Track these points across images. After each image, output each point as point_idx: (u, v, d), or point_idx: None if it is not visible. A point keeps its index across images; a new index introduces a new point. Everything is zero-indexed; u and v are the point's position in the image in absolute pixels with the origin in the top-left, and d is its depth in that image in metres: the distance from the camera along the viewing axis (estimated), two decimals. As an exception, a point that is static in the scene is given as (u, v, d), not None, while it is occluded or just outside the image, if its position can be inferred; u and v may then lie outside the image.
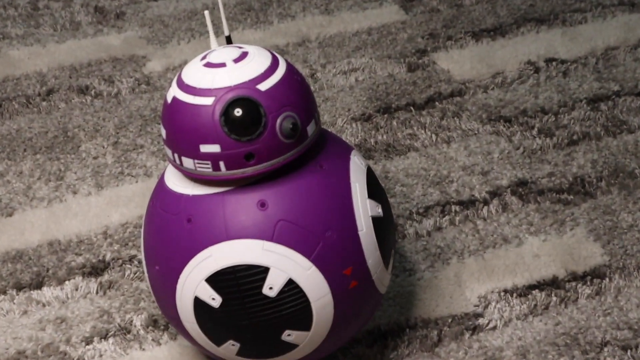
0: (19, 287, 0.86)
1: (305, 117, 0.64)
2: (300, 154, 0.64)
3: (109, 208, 0.96)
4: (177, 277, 0.64)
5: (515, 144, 1.04)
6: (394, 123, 1.08)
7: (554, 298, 0.83)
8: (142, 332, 0.81)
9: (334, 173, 0.66)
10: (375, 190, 0.68)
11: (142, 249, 0.70)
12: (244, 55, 0.64)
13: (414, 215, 0.93)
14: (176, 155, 0.64)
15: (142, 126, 1.09)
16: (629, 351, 0.77)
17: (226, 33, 0.68)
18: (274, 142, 0.62)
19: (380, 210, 0.67)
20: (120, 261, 0.89)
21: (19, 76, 1.21)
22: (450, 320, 0.81)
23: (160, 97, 1.15)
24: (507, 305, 0.82)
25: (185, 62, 1.22)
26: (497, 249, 0.88)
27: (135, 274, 0.87)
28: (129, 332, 0.81)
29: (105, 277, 0.87)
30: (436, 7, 1.36)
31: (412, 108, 1.11)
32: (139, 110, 1.12)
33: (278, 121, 0.62)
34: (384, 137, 1.06)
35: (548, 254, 0.88)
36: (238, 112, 0.61)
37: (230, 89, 0.62)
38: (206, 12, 0.67)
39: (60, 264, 0.89)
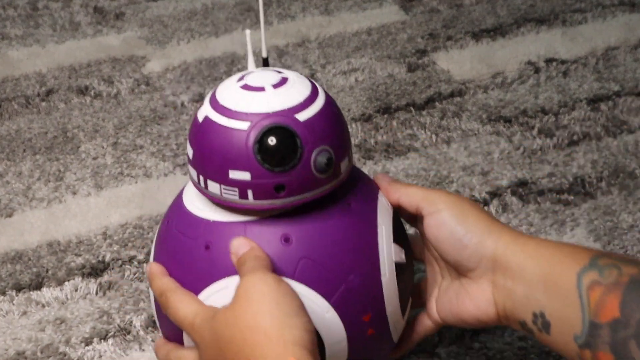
0: (19, 288, 0.86)
1: (341, 153, 0.60)
2: (332, 190, 0.61)
3: (109, 209, 0.96)
4: None
5: (515, 144, 1.04)
6: (394, 123, 1.08)
7: (555, 298, 0.82)
8: (141, 332, 0.81)
9: (362, 213, 0.62)
10: (400, 233, 0.65)
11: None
12: (283, 81, 0.60)
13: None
14: (201, 178, 0.60)
15: (141, 127, 1.09)
16: (629, 352, 0.77)
17: (264, 55, 0.64)
18: (306, 176, 0.58)
19: (403, 255, 0.64)
20: (120, 262, 0.89)
21: (18, 77, 1.20)
22: (450, 321, 0.81)
23: (160, 98, 1.15)
24: (507, 305, 0.82)
25: (185, 62, 1.22)
26: (498, 250, 0.88)
27: (135, 274, 0.87)
28: (128, 332, 0.81)
29: (105, 277, 0.87)
30: (436, 7, 1.35)
31: (412, 108, 1.11)
32: (139, 110, 1.12)
33: (313, 155, 0.58)
34: (384, 137, 1.06)
35: (548, 254, 0.87)
36: (273, 140, 0.57)
37: (267, 115, 0.58)
38: (247, 32, 0.63)
39: (60, 264, 0.89)
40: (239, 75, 0.62)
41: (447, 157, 1.02)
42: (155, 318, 0.66)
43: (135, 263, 0.88)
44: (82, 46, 1.27)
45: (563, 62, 1.20)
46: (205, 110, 0.60)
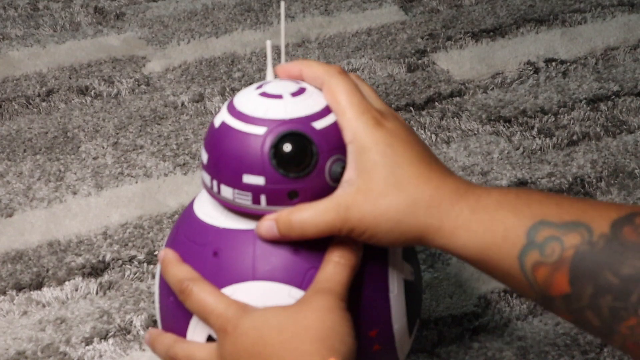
0: (19, 288, 0.86)
1: None
2: None
3: (109, 208, 0.96)
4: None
5: (515, 144, 1.04)
6: (394, 123, 1.08)
7: (554, 298, 0.83)
8: (142, 332, 0.81)
9: None
10: (410, 252, 0.64)
11: (157, 278, 0.65)
12: (301, 90, 0.60)
13: (414, 215, 0.93)
14: (215, 182, 0.60)
15: (142, 127, 1.09)
16: (628, 351, 0.77)
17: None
18: (319, 184, 0.58)
19: (413, 274, 0.63)
20: (120, 262, 0.89)
21: (18, 77, 1.21)
22: (450, 321, 0.81)
23: (160, 98, 1.15)
24: (507, 305, 0.82)
25: (185, 63, 1.22)
26: (497, 249, 0.88)
27: (135, 274, 0.87)
28: (128, 332, 0.81)
29: (105, 277, 0.87)
30: (436, 7, 1.36)
31: (411, 108, 1.11)
32: (139, 110, 1.13)
33: (328, 163, 0.58)
34: (384, 137, 1.06)
35: (548, 254, 0.88)
36: (289, 146, 0.58)
37: (284, 122, 0.58)
38: (268, 42, 0.64)
39: (60, 264, 0.89)
40: (258, 84, 0.62)
41: (447, 157, 1.02)
42: (156, 308, 0.65)
43: (136, 263, 0.89)
44: (83, 46, 1.27)
45: (562, 62, 1.21)
46: (222, 116, 0.61)
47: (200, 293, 0.57)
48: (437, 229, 0.54)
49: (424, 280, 0.85)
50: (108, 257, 0.89)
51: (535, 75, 1.18)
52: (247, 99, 0.60)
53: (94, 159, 1.04)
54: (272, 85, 0.61)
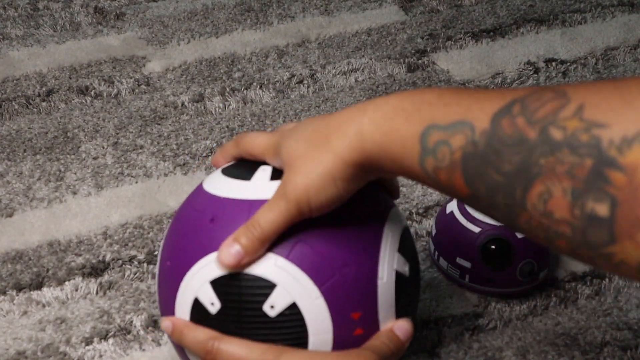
0: (19, 288, 0.86)
1: (543, 265, 0.82)
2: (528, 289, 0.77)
3: (109, 208, 0.96)
4: (185, 273, 0.62)
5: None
6: (394, 123, 1.08)
7: (554, 298, 0.83)
8: (142, 332, 0.81)
9: (370, 213, 0.63)
10: (407, 247, 0.65)
11: (160, 248, 0.67)
12: None
13: (414, 215, 0.93)
14: (437, 253, 0.84)
15: (142, 127, 1.09)
16: (628, 351, 0.77)
17: None
18: (511, 277, 0.80)
19: (407, 269, 0.64)
20: (120, 262, 0.89)
21: (18, 77, 1.21)
22: (450, 321, 0.81)
23: (160, 98, 1.15)
24: (506, 305, 0.82)
25: (185, 63, 1.22)
26: (497, 250, 0.88)
27: (135, 274, 0.87)
28: (129, 332, 0.81)
29: (105, 277, 0.87)
30: (436, 7, 1.36)
31: (411, 108, 1.11)
32: (139, 110, 1.13)
33: (520, 264, 0.80)
34: (384, 137, 1.06)
35: (548, 254, 0.88)
36: (493, 247, 0.79)
37: (495, 227, 0.80)
38: None
39: (60, 264, 0.89)
40: None
41: (447, 157, 1.02)
42: (157, 297, 0.67)
43: (136, 263, 0.89)
44: (83, 46, 1.27)
45: (562, 62, 1.21)
46: (453, 207, 0.83)
47: (230, 347, 0.58)
48: (353, 149, 0.55)
49: (424, 280, 0.85)
50: (108, 257, 0.89)
51: (535, 75, 1.18)
52: None
53: (94, 159, 1.04)
54: None
